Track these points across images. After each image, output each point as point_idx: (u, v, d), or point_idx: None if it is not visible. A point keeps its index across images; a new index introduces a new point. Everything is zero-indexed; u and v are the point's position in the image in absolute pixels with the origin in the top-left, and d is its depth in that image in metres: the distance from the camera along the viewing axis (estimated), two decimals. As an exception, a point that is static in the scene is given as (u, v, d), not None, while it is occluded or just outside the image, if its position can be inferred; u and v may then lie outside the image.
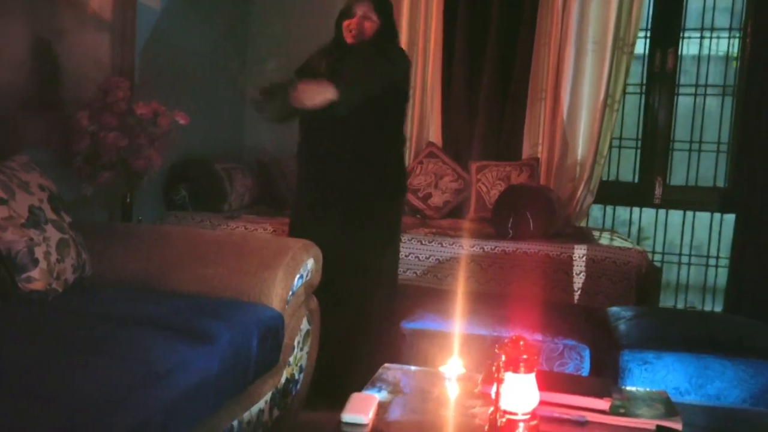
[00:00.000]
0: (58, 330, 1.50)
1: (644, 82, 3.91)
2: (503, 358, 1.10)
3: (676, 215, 3.96)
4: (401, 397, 1.35)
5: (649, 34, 3.88)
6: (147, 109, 2.50)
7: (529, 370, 1.09)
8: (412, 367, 1.51)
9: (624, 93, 3.76)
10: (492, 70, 3.87)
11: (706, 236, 3.93)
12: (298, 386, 2.25)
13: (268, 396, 1.99)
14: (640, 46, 3.93)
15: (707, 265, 3.94)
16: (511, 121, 3.89)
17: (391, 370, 1.47)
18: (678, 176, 3.90)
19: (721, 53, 3.97)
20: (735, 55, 3.87)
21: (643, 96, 3.91)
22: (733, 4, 3.81)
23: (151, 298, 1.91)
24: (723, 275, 3.78)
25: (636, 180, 3.93)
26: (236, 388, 1.75)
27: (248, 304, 1.98)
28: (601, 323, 2.10)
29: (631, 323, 1.93)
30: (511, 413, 1.08)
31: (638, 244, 4.05)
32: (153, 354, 1.43)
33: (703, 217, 3.90)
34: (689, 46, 3.94)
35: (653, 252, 4.01)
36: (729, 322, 2.07)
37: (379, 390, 1.34)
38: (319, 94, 2.14)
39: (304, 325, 2.27)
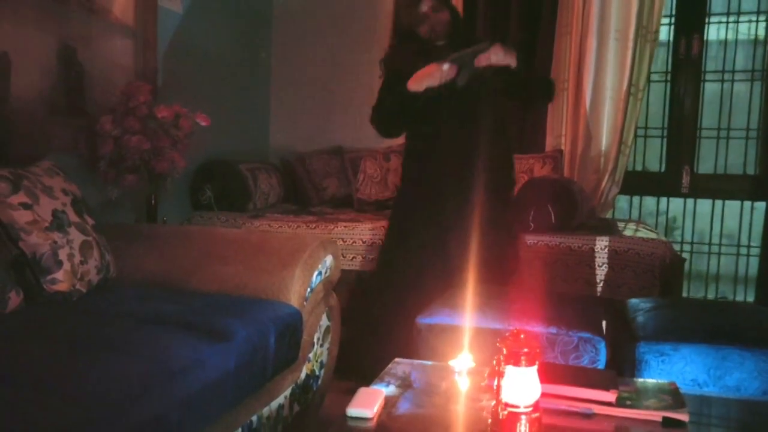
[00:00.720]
0: (79, 329, 1.55)
1: (669, 69, 3.84)
2: (504, 351, 1.11)
3: (705, 204, 3.88)
4: (411, 391, 1.37)
5: (673, 21, 3.81)
6: (168, 112, 2.56)
7: (530, 363, 1.09)
8: (422, 362, 1.53)
9: (648, 81, 3.70)
10: (513, 62, 3.84)
11: (736, 225, 3.85)
12: (319, 382, 2.28)
13: (287, 391, 2.02)
14: (665, 33, 3.86)
15: (738, 255, 3.86)
16: (533, 113, 3.86)
17: (401, 365, 1.48)
18: (706, 164, 3.83)
19: (748, 37, 3.87)
20: (763, 38, 3.77)
21: (669, 84, 3.84)
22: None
23: (172, 297, 1.95)
24: (755, 264, 3.70)
25: (663, 169, 3.86)
26: (255, 384, 1.78)
27: (267, 302, 2.01)
28: (621, 315, 2.08)
29: (650, 315, 1.91)
30: (512, 406, 1.09)
31: (667, 234, 4.00)
32: (169, 352, 1.47)
33: (733, 205, 3.82)
34: (715, 31, 3.85)
35: (682, 242, 3.95)
36: (752, 313, 2.03)
37: (387, 385, 1.36)
38: (507, 55, 2.38)
39: (324, 322, 2.30)
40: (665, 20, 3.81)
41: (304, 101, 4.30)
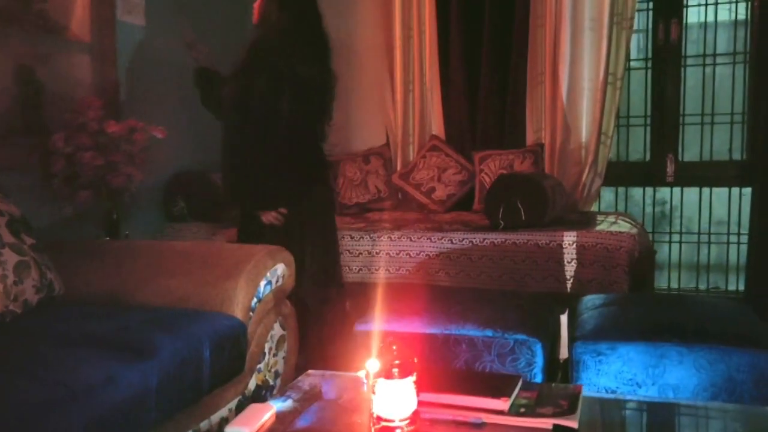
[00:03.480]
0: (-7, 352, 1.54)
1: (650, 56, 3.75)
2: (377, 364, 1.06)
3: (692, 192, 3.78)
4: (316, 404, 1.33)
5: (651, 6, 3.71)
6: (119, 127, 2.55)
7: (404, 375, 1.05)
8: (334, 372, 1.49)
9: (627, 69, 3.61)
10: (489, 56, 3.78)
11: (725, 213, 3.74)
12: (274, 392, 2.25)
13: (233, 404, 1.99)
14: (643, 20, 3.77)
15: (728, 243, 3.75)
16: (512, 107, 3.80)
17: (311, 376, 1.44)
18: (691, 152, 3.73)
19: (729, 19, 3.76)
20: (743, 19, 3.66)
21: (649, 71, 3.75)
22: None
23: (111, 314, 1.93)
24: (745, 252, 3.59)
25: (647, 159, 3.77)
26: (187, 399, 1.75)
27: (207, 314, 1.98)
28: (572, 316, 2.02)
29: (594, 313, 1.85)
30: (386, 420, 1.04)
31: (655, 225, 3.91)
32: (77, 373, 1.45)
33: (721, 192, 3.71)
34: (695, 14, 3.75)
35: (670, 232, 3.85)
36: (709, 308, 1.95)
37: (286, 399, 1.32)
38: None
39: (277, 331, 2.27)
40: (642, 6, 3.72)
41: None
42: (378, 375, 1.05)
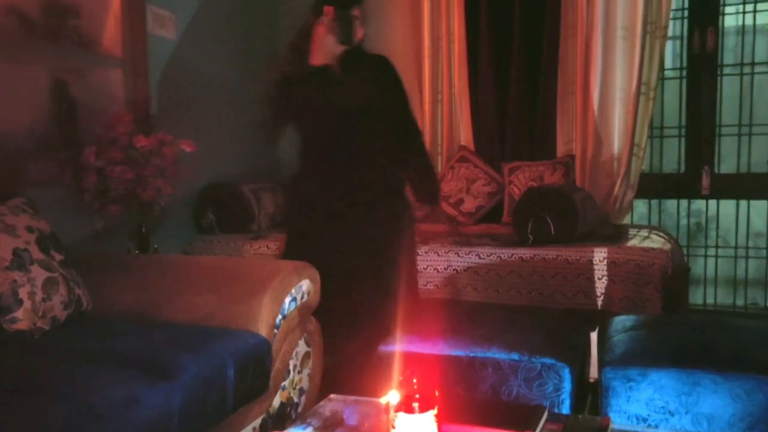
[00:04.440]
0: (19, 370, 1.55)
1: (684, 65, 3.66)
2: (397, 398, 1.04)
3: (729, 205, 3.68)
4: (339, 430, 1.31)
5: (686, 14, 3.63)
6: (148, 141, 2.57)
7: (424, 409, 1.02)
8: (357, 398, 1.47)
9: (660, 79, 3.54)
10: (519, 66, 3.74)
11: (763, 226, 3.63)
12: (299, 409, 2.24)
13: (257, 422, 1.99)
14: (677, 28, 3.69)
15: (768, 257, 3.64)
16: (542, 118, 3.75)
17: (333, 401, 1.43)
18: (728, 164, 3.63)
19: (767, 27, 3.66)
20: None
21: (684, 80, 3.66)
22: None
23: (138, 330, 1.95)
24: (786, 267, 3.49)
25: (682, 170, 3.68)
26: (210, 420, 1.75)
27: (232, 332, 1.98)
28: (602, 338, 1.97)
29: (624, 336, 1.80)
30: (406, 456, 1.02)
31: (689, 239, 3.81)
32: (101, 392, 1.45)
33: (759, 205, 3.60)
34: (733, 20, 3.65)
35: (706, 246, 3.75)
36: (742, 331, 1.88)
37: (306, 426, 1.31)
38: None
39: (302, 348, 2.26)
40: (677, 14, 3.64)
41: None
42: (398, 408, 1.03)
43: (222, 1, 3.65)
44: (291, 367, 2.19)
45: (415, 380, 1.02)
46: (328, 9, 2.29)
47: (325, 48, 2.28)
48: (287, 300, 2.15)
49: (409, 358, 1.79)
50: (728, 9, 3.59)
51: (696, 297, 3.68)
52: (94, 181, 2.55)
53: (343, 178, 2.38)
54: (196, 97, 3.50)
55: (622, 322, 1.98)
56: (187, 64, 3.39)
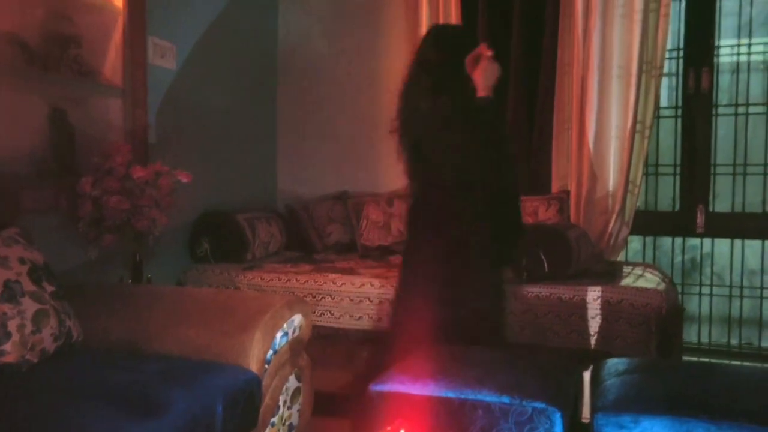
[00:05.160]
0: (2, 404, 1.54)
1: (679, 104, 3.70)
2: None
3: (723, 244, 3.69)
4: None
5: (681, 54, 3.67)
6: (145, 172, 2.58)
7: (412, 461, 1.01)
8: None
9: (655, 117, 3.57)
10: (515, 101, 3.77)
11: (758, 265, 3.64)
12: (288, 445, 2.22)
13: (245, 459, 1.97)
14: (673, 67, 3.74)
15: (762, 297, 3.64)
16: (538, 153, 3.77)
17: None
18: (723, 203, 3.64)
19: (764, 59, 3.70)
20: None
21: (680, 119, 3.70)
22: (770, 16, 3.57)
23: (128, 363, 1.93)
24: (780, 307, 3.48)
25: (677, 208, 3.69)
26: (197, 456, 1.73)
27: (223, 367, 1.97)
28: (595, 380, 1.96)
29: (617, 380, 1.79)
30: None
31: (684, 277, 3.81)
32: (85, 429, 1.44)
33: (755, 245, 3.61)
34: (728, 58, 3.70)
35: (700, 285, 3.75)
36: (737, 378, 1.87)
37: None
38: None
39: (292, 383, 2.24)
40: (673, 53, 3.68)
41: (311, 147, 4.31)
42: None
43: (222, 33, 3.69)
44: (281, 403, 2.18)
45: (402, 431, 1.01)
46: (485, 45, 2.42)
47: (494, 80, 2.37)
48: (279, 335, 2.14)
49: (399, 399, 1.77)
50: (723, 50, 3.63)
51: (690, 335, 3.67)
52: (90, 210, 2.55)
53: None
54: (194, 127, 3.53)
55: (615, 365, 1.97)
56: (186, 95, 3.42)
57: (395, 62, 4.08)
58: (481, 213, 2.39)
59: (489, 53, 2.39)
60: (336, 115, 4.24)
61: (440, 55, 2.44)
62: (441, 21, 3.82)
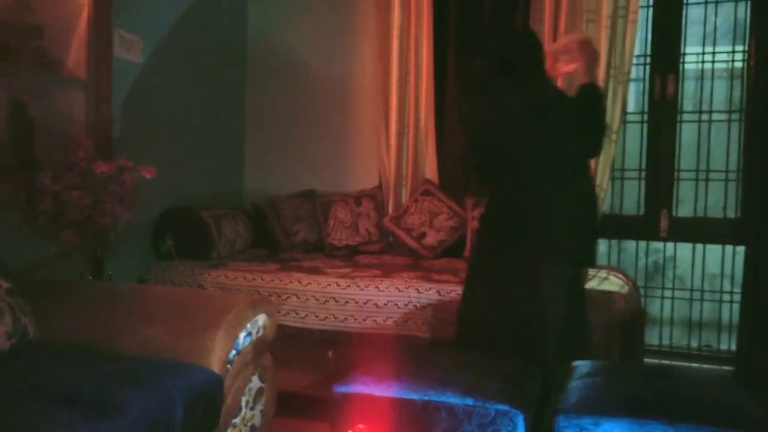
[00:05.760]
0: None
1: (646, 109, 3.75)
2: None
3: (685, 248, 3.75)
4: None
5: (648, 60, 3.72)
6: (108, 168, 2.52)
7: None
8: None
9: (623, 122, 3.61)
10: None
11: (719, 269, 3.71)
12: (251, 447, 2.19)
13: (205, 461, 1.94)
14: (641, 73, 3.79)
15: (721, 301, 3.71)
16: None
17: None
18: (686, 207, 3.71)
19: (727, 67, 3.77)
20: (739, 73, 3.67)
21: (645, 124, 3.75)
22: (735, 27, 3.63)
23: (85, 362, 1.89)
24: (738, 311, 3.55)
25: (641, 212, 3.75)
26: (155, 458, 1.70)
27: (183, 367, 1.94)
28: (559, 381, 1.97)
29: (579, 383, 1.80)
30: None
31: (647, 280, 3.87)
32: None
33: (716, 249, 3.68)
34: (693, 66, 3.76)
35: (663, 288, 3.81)
36: (694, 382, 1.89)
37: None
38: None
39: (255, 383, 2.22)
40: (640, 60, 3.73)
41: (279, 145, 4.27)
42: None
43: (190, 28, 3.63)
44: (243, 404, 2.15)
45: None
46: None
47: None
48: (242, 335, 2.12)
49: (363, 401, 1.76)
50: (688, 57, 3.69)
51: (652, 338, 3.73)
52: (49, 205, 2.48)
53: None
54: (161, 122, 3.47)
55: (578, 368, 1.98)
56: (152, 89, 3.36)
57: (365, 61, 4.09)
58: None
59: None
60: (305, 112, 4.21)
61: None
62: (412, 21, 3.82)
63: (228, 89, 4.17)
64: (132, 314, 2.15)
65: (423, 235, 3.76)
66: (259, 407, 2.24)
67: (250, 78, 4.29)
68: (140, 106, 3.29)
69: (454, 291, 2.83)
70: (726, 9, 3.69)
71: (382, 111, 3.95)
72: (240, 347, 2.11)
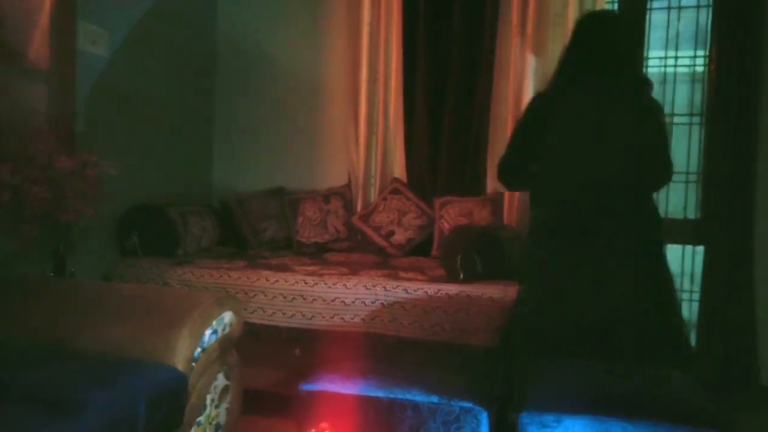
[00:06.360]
0: None
1: (610, 112, 3.81)
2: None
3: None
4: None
5: (613, 64, 3.78)
6: (71, 162, 2.48)
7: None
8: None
9: (587, 124, 3.66)
10: (453, 104, 3.82)
11: (679, 269, 3.79)
12: (215, 446, 2.18)
13: (169, 460, 1.92)
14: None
15: (681, 300, 3.79)
16: (474, 155, 3.83)
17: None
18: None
19: (689, 71, 3.85)
20: (700, 77, 3.75)
21: (610, 126, 3.81)
22: (696, 32, 3.71)
23: (44, 362, 1.85)
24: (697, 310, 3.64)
25: (605, 212, 3.80)
26: (117, 458, 1.68)
27: (147, 365, 1.91)
28: (522, 379, 2.00)
29: (545, 380, 1.83)
30: None
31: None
32: (-3, 433, 1.37)
33: (675, 250, 3.76)
34: (656, 70, 3.84)
35: (625, 286, 3.88)
36: (654, 380, 1.93)
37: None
38: None
39: (221, 381, 2.20)
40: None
41: (248, 142, 4.25)
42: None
43: (158, 21, 3.58)
44: (208, 402, 2.13)
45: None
46: None
47: None
48: (208, 332, 2.10)
49: (329, 398, 1.77)
50: (652, 61, 3.76)
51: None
52: (8, 199, 2.43)
53: None
54: (127, 117, 3.42)
55: (542, 366, 2.01)
56: (118, 83, 3.31)
57: (335, 59, 4.08)
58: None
59: None
60: (274, 109, 4.19)
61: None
62: (382, 23, 3.83)
63: (197, 85, 4.13)
64: (95, 312, 2.12)
65: (391, 233, 3.78)
66: (224, 405, 2.23)
67: (219, 74, 4.25)
68: (106, 100, 3.23)
69: (421, 289, 2.84)
70: (688, 15, 3.77)
71: (352, 109, 3.95)
72: (205, 345, 2.09)
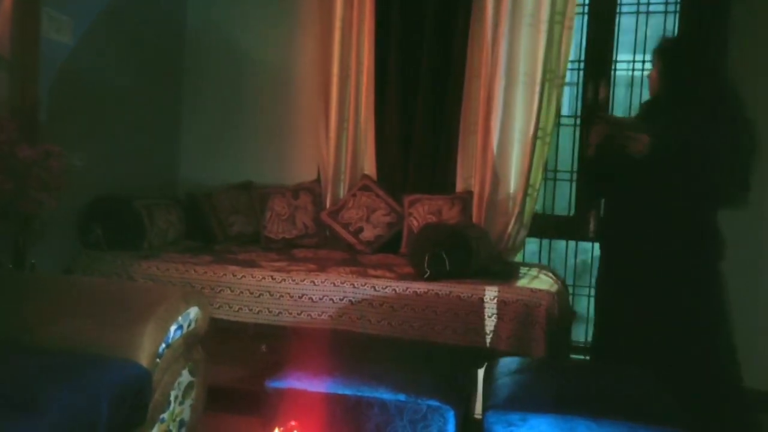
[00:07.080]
0: None
1: (578, 113, 3.86)
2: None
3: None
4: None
5: (582, 66, 3.84)
6: (33, 152, 2.42)
7: (302, 462, 1.00)
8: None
9: (557, 125, 3.71)
10: (424, 102, 3.82)
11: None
12: (179, 442, 2.15)
13: (131, 457, 1.89)
14: (575, 78, 3.89)
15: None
16: (444, 153, 3.83)
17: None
18: (613, 209, 3.83)
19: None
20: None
21: (578, 127, 3.86)
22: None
23: (3, 357, 1.81)
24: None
25: (572, 213, 3.86)
26: (77, 456, 1.64)
27: (110, 361, 1.88)
28: (488, 377, 2.02)
29: (508, 379, 1.85)
30: None
31: (576, 279, 3.99)
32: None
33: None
34: (623, 73, 3.90)
35: (590, 287, 3.93)
36: (617, 379, 1.97)
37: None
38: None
39: (185, 378, 2.17)
40: (575, 65, 3.84)
41: (216, 134, 4.19)
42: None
43: (125, 10, 3.51)
44: (172, 398, 2.11)
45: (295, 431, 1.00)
46: None
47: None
48: (173, 328, 2.07)
49: (296, 396, 1.76)
50: (620, 65, 3.82)
51: (578, 335, 3.85)
52: (-33, 189, 2.36)
53: None
54: (91, 106, 3.34)
55: (507, 364, 2.03)
56: (83, 72, 3.23)
57: (306, 53, 4.05)
58: None
59: None
60: (244, 102, 4.14)
61: None
62: (354, 19, 3.81)
63: (164, 75, 4.06)
64: (55, 306, 2.08)
65: (360, 230, 3.77)
66: (188, 402, 2.20)
67: (187, 65, 4.19)
68: (70, 89, 3.16)
69: (389, 287, 2.85)
70: (656, 20, 3.83)
71: (323, 105, 3.92)
72: (170, 341, 2.06)
